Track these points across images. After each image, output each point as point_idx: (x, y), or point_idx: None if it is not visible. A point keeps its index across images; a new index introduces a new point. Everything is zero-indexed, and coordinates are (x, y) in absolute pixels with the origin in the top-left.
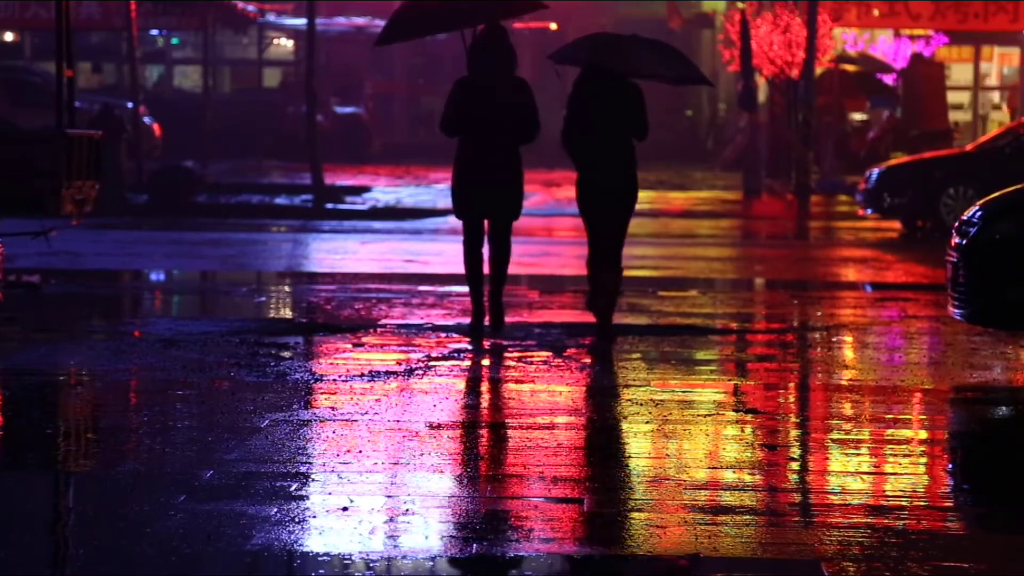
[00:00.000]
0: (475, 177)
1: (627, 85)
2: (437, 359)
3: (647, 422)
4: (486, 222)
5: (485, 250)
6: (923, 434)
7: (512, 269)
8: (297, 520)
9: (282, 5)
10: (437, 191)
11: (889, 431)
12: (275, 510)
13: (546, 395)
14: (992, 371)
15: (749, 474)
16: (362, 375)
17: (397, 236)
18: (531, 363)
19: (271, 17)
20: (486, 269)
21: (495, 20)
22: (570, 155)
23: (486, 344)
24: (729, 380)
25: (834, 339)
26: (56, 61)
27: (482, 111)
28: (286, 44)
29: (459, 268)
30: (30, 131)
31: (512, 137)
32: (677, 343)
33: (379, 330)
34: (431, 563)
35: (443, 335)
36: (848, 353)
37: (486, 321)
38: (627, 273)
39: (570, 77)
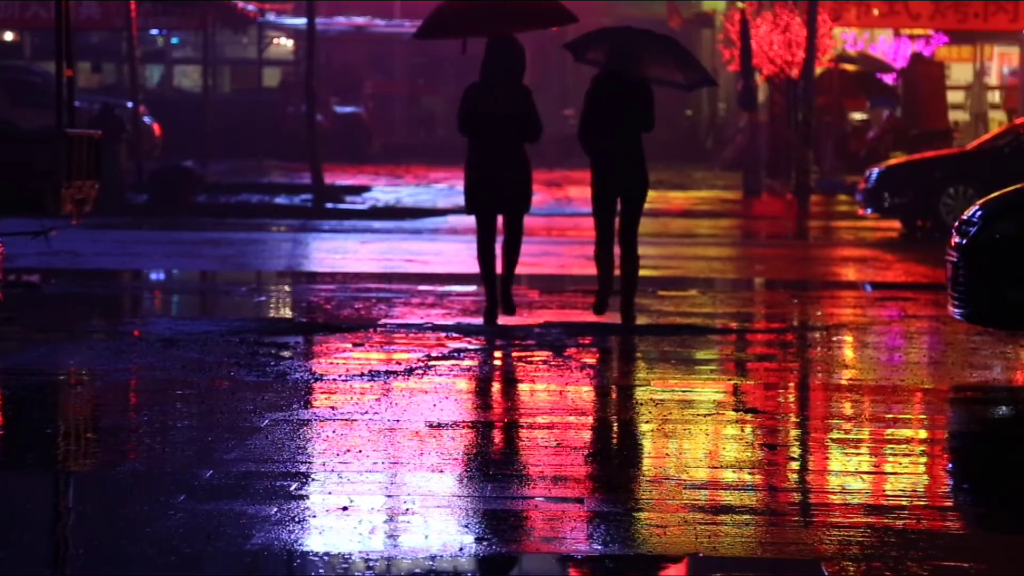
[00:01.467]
0: (486, 176)
1: (640, 88)
2: (437, 359)
3: (647, 422)
4: (499, 218)
5: (497, 246)
6: (923, 434)
7: None
8: (297, 520)
9: (282, 5)
10: (437, 191)
11: (889, 431)
12: (275, 510)
13: (546, 395)
14: (992, 371)
15: (749, 474)
16: (362, 375)
17: (397, 236)
18: (531, 363)
19: (271, 17)
20: (498, 266)
21: (508, 32)
22: (586, 151)
23: (487, 343)
24: (729, 380)
25: (834, 339)
26: (56, 61)
27: (496, 109)
28: (286, 44)
29: (459, 268)
30: (30, 131)
31: (521, 134)
32: (677, 343)
33: (379, 330)
34: (431, 563)
35: (443, 335)
36: (848, 353)
37: (499, 310)
38: None
39: (571, 66)
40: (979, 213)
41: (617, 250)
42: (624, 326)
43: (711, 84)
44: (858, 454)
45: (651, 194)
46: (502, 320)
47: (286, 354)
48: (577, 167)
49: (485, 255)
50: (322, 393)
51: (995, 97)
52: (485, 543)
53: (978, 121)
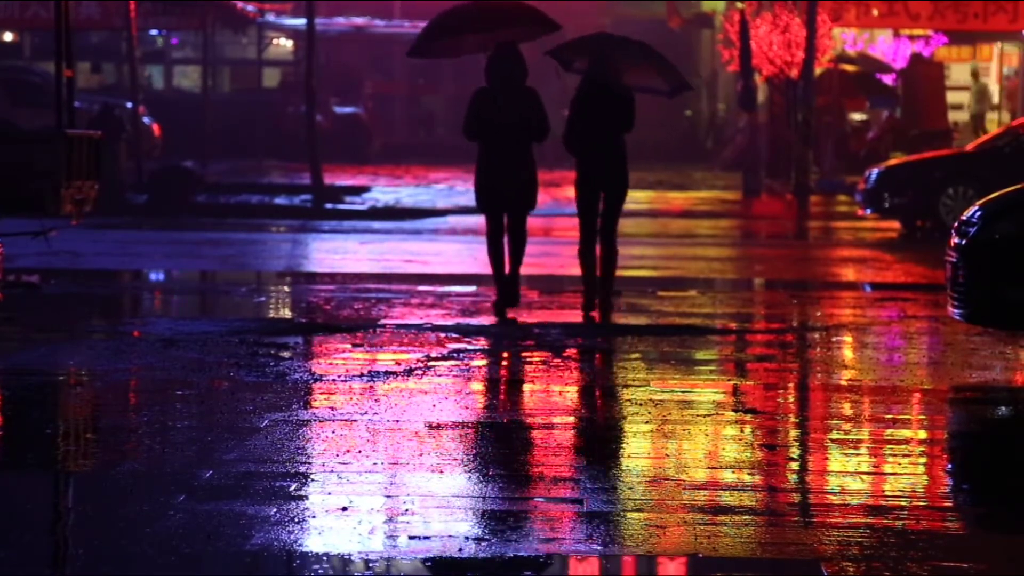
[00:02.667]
0: (494, 177)
1: (622, 92)
2: (437, 359)
3: (647, 422)
4: (505, 216)
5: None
6: (923, 434)
7: None
8: (297, 520)
9: (282, 5)
10: (436, 191)
11: (889, 431)
12: (275, 510)
13: (546, 395)
14: (992, 371)
15: (749, 474)
16: (362, 375)
17: (397, 236)
18: (530, 363)
19: (271, 17)
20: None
21: (508, 37)
22: (572, 153)
23: (486, 343)
24: (729, 380)
25: (834, 339)
26: (56, 61)
27: (498, 118)
28: (286, 44)
29: (458, 268)
30: (30, 131)
31: (525, 139)
32: (676, 343)
33: (379, 330)
34: (431, 563)
35: (443, 335)
36: (848, 353)
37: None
38: (627, 273)
39: (568, 76)
40: (979, 213)
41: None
42: (604, 321)
43: (688, 89)
44: (858, 454)
45: (651, 194)
46: (502, 320)
47: (286, 354)
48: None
49: (493, 247)
50: (321, 393)
51: (993, 97)
52: (485, 543)
53: (976, 123)
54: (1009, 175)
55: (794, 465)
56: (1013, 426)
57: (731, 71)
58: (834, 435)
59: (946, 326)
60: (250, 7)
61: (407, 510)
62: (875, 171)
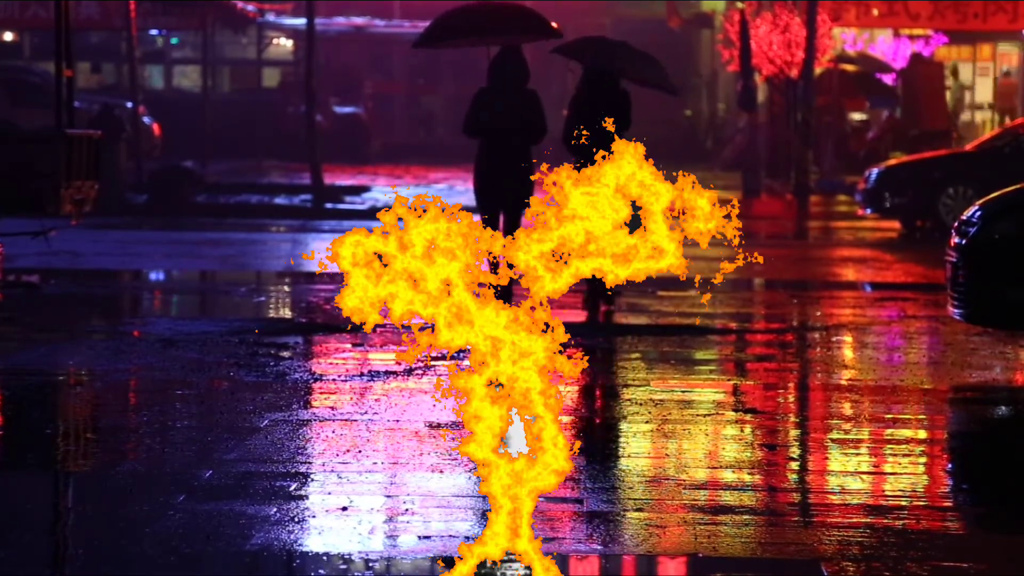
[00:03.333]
0: (489, 178)
1: (619, 90)
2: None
3: (647, 422)
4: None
5: None
6: (923, 434)
7: None
8: (297, 520)
9: (282, 5)
10: (436, 191)
11: (889, 431)
12: (274, 510)
13: None
14: (992, 371)
15: (749, 474)
16: (362, 375)
17: None
18: None
19: (270, 17)
20: None
21: (512, 41)
22: (570, 151)
23: None
24: (729, 380)
25: (834, 339)
26: (56, 61)
27: (497, 118)
28: (285, 44)
29: None
30: (30, 131)
31: (524, 140)
32: (677, 343)
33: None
34: (431, 563)
35: None
36: (848, 353)
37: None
38: None
39: (570, 77)
40: (979, 213)
41: None
42: (604, 321)
43: (675, 93)
44: (858, 454)
45: None
46: None
47: (286, 354)
48: None
49: None
50: (321, 393)
51: (980, 96)
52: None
53: (957, 127)
54: (1009, 175)
55: (794, 465)
56: (1013, 426)
57: (731, 71)
58: (834, 435)
59: (946, 326)
60: (250, 7)
61: (407, 510)
62: (875, 171)
